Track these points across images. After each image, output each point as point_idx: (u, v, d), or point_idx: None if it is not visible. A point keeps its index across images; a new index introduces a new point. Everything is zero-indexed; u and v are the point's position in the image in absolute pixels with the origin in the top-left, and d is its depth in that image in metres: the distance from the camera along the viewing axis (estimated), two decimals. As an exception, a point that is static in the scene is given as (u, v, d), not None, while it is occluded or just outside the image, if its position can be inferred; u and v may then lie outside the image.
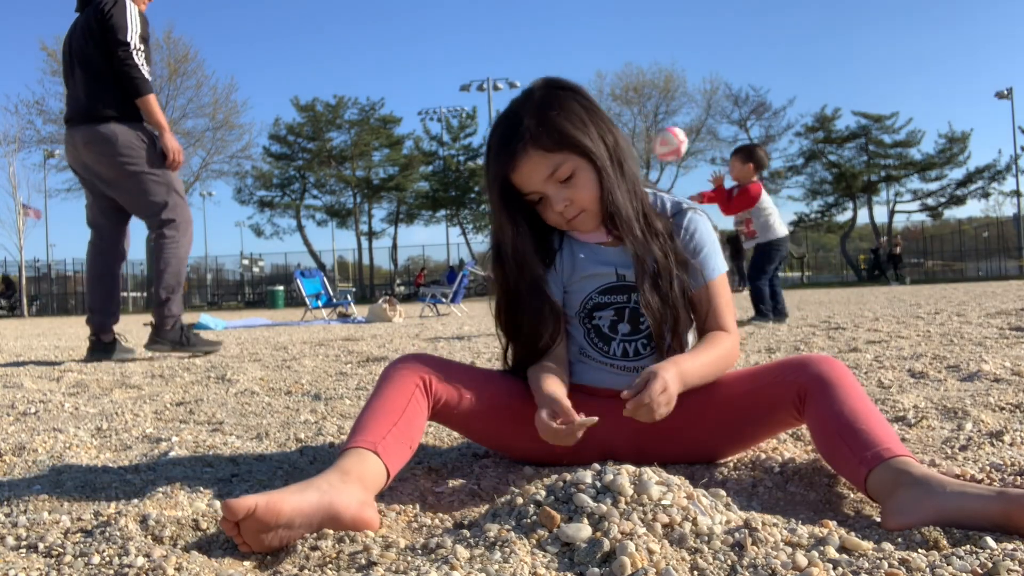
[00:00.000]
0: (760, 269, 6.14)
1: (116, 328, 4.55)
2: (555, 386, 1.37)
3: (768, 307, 6.10)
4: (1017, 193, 35.98)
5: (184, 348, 4.50)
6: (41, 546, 1.03)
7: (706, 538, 0.93)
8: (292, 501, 1.04)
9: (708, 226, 1.53)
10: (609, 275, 1.49)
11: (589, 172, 1.41)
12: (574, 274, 1.51)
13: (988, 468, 1.32)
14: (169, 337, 4.42)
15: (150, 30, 4.46)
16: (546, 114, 1.39)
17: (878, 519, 1.10)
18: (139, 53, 4.29)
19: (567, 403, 1.30)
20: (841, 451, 1.19)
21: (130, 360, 4.44)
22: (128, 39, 4.24)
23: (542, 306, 1.47)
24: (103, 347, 4.47)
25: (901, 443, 1.16)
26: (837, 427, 1.20)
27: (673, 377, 1.28)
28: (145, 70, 4.31)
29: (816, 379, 1.28)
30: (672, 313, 1.44)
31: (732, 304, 1.53)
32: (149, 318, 4.58)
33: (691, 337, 1.53)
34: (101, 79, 4.29)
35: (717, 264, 1.50)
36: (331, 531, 1.04)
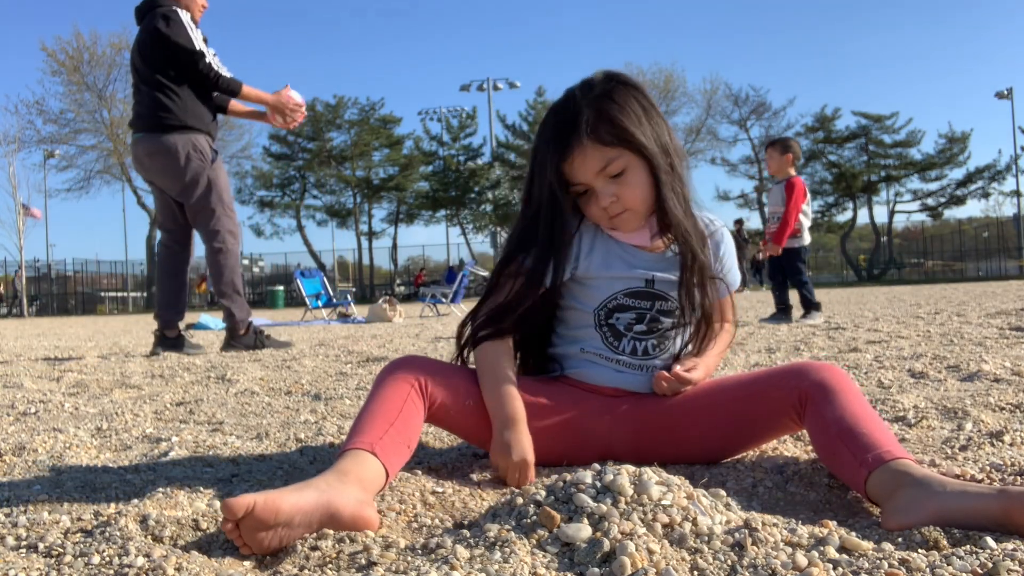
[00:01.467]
0: (799, 271, 6.15)
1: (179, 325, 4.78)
2: (517, 404, 1.39)
3: (814, 299, 6.16)
4: (1017, 193, 36.01)
5: (260, 349, 4.77)
6: (41, 546, 1.03)
7: (706, 538, 0.93)
8: (291, 499, 1.04)
9: (732, 242, 1.60)
10: (639, 280, 1.49)
11: (641, 171, 1.40)
12: (603, 269, 1.49)
13: (988, 468, 1.32)
14: (244, 342, 4.73)
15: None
16: (606, 107, 1.38)
17: (878, 519, 1.10)
18: (213, 57, 4.46)
19: (531, 462, 1.36)
20: (841, 454, 1.19)
21: (199, 355, 4.59)
22: (197, 47, 4.41)
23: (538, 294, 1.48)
24: (170, 342, 4.69)
25: (901, 446, 1.16)
26: (837, 431, 1.21)
27: (703, 371, 1.47)
28: (224, 69, 4.48)
29: (817, 385, 1.29)
30: (706, 318, 1.49)
31: (734, 306, 1.62)
32: (153, 324, 4.78)
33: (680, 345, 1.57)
34: (158, 91, 4.45)
35: (736, 278, 1.59)
36: (331, 531, 1.04)
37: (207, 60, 4.42)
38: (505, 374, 1.42)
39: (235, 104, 4.71)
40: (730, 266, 1.58)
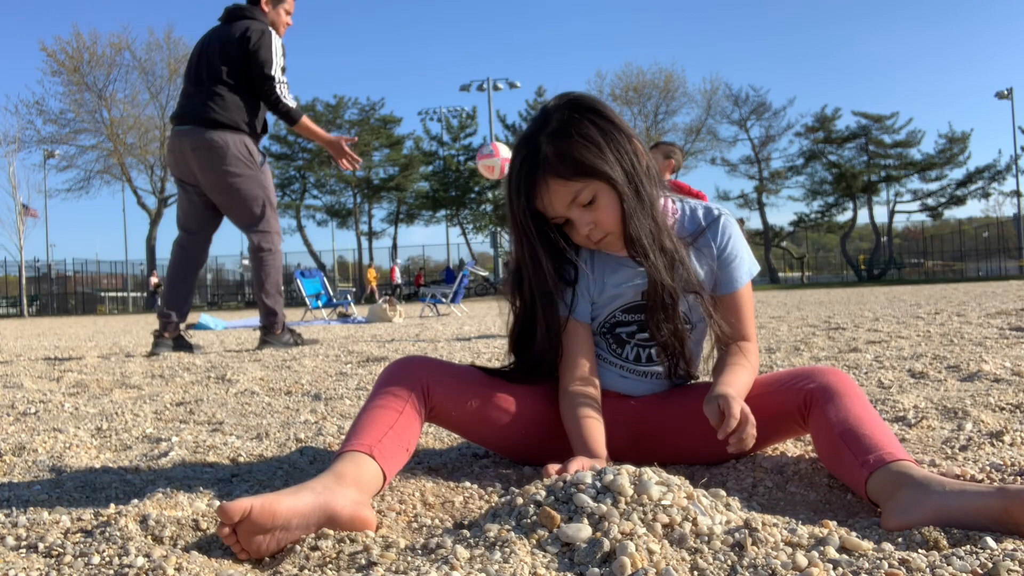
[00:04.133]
0: None
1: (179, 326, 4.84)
2: (598, 438, 1.36)
3: None
4: (1017, 193, 36.01)
5: (294, 347, 4.90)
6: (41, 546, 1.03)
7: (706, 538, 0.93)
8: (288, 502, 1.04)
9: (739, 230, 1.55)
10: (636, 294, 1.49)
11: (611, 195, 1.38)
12: (603, 293, 1.50)
13: (988, 468, 1.32)
14: (283, 340, 4.86)
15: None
16: (563, 142, 1.36)
17: (878, 519, 1.10)
18: (283, 85, 4.57)
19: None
20: (843, 455, 1.19)
21: (199, 355, 4.65)
22: (273, 73, 4.52)
23: (557, 323, 1.46)
24: (170, 343, 4.75)
25: (903, 448, 1.16)
26: (840, 432, 1.21)
27: (739, 401, 1.27)
28: (291, 99, 4.60)
29: (821, 388, 1.30)
30: (677, 340, 1.46)
31: (753, 309, 1.55)
32: (154, 324, 4.81)
33: (705, 345, 1.55)
34: (225, 93, 4.51)
35: (746, 271, 1.52)
36: (331, 531, 1.04)
37: (275, 86, 4.53)
38: (583, 411, 1.40)
39: (304, 127, 4.74)
40: (739, 259, 1.51)
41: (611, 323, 1.51)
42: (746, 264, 1.52)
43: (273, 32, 4.59)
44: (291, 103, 4.58)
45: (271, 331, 4.83)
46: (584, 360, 1.46)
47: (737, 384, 1.36)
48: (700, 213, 1.53)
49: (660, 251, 1.42)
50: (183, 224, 4.70)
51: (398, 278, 35.01)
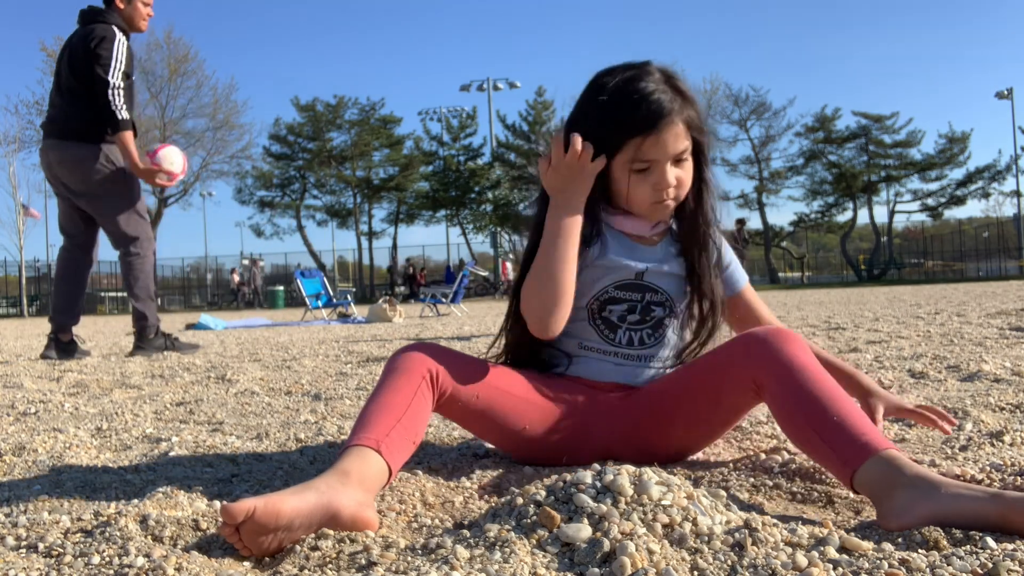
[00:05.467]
0: None
1: (75, 329, 4.84)
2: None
3: None
4: (1017, 193, 36.02)
5: (170, 351, 4.84)
6: (41, 546, 1.03)
7: (706, 538, 0.93)
8: (291, 503, 1.03)
9: (722, 238, 1.61)
10: (630, 273, 1.50)
11: (691, 165, 1.46)
12: (598, 258, 1.49)
13: (988, 468, 1.31)
14: (155, 344, 4.79)
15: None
16: (686, 93, 1.43)
17: (878, 520, 1.10)
18: (119, 92, 4.45)
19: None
20: (818, 447, 1.17)
21: (84, 359, 4.63)
22: (109, 77, 4.43)
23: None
24: (62, 346, 4.72)
25: (877, 430, 1.14)
26: (807, 420, 1.18)
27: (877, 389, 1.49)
28: (123, 109, 4.46)
29: (772, 363, 1.25)
30: (715, 308, 1.53)
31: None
32: (131, 327, 4.85)
33: (677, 340, 1.56)
34: (78, 100, 4.49)
35: (743, 274, 1.62)
36: (331, 531, 1.04)
37: (108, 90, 4.42)
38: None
39: (122, 140, 4.52)
40: (734, 263, 1.62)
41: (603, 299, 1.50)
42: (741, 268, 1.62)
43: (119, 34, 4.51)
44: (120, 113, 4.44)
45: (143, 336, 4.76)
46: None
47: (859, 375, 1.51)
48: None
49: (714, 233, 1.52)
50: (64, 228, 4.71)
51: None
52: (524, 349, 1.53)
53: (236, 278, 31.67)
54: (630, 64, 1.45)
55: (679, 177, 1.43)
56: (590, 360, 1.51)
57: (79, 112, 4.47)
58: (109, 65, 4.43)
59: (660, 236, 1.53)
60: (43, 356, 4.70)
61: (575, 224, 1.42)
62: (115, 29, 4.52)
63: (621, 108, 1.39)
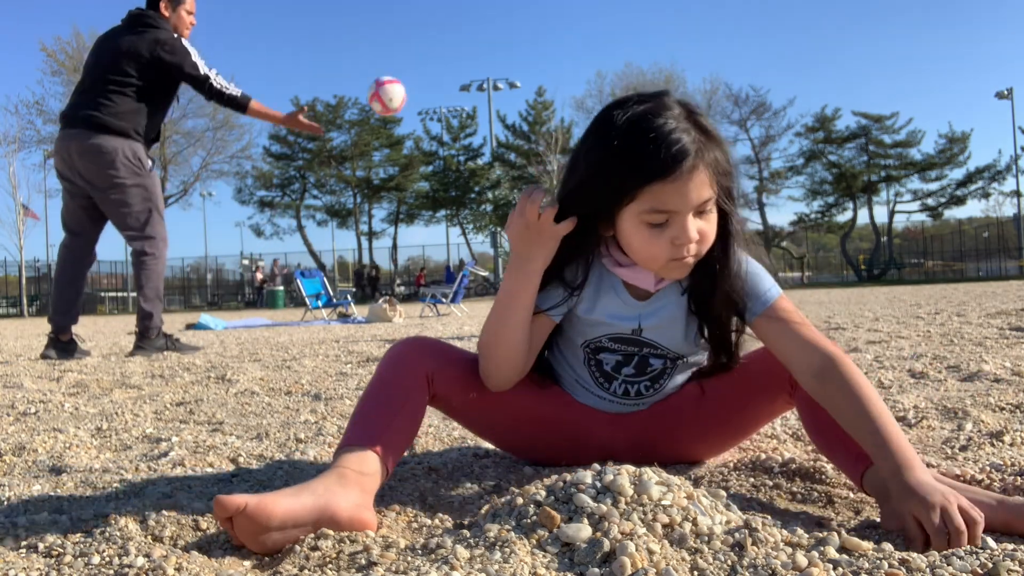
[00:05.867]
0: None
1: (74, 328, 4.83)
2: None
3: None
4: (1017, 193, 36.02)
5: (170, 351, 4.85)
6: (41, 546, 1.03)
7: (706, 538, 0.93)
8: (285, 504, 1.03)
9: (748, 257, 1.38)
10: (625, 329, 1.37)
11: (715, 218, 1.25)
12: (592, 313, 1.37)
13: (988, 468, 1.31)
14: (155, 345, 4.79)
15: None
16: (709, 133, 1.22)
17: (878, 519, 1.10)
18: (218, 77, 4.65)
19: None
20: (835, 446, 1.18)
21: (84, 359, 4.62)
22: (203, 72, 4.60)
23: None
24: (62, 346, 4.72)
25: None
26: (831, 421, 1.19)
27: (925, 473, 1.03)
28: (233, 88, 4.70)
29: None
30: (732, 355, 1.37)
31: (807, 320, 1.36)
32: (133, 326, 4.90)
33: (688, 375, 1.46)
34: (118, 98, 4.51)
35: (772, 283, 1.34)
36: (331, 531, 1.04)
37: (212, 83, 4.58)
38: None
39: (256, 110, 4.80)
40: (744, 274, 1.32)
41: (595, 346, 1.41)
42: (767, 280, 1.33)
43: (179, 36, 4.63)
44: (235, 91, 4.64)
45: (145, 335, 4.75)
46: (533, 354, 1.36)
47: (901, 443, 1.07)
48: None
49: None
50: (67, 225, 4.71)
51: None
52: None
53: (260, 276, 31.78)
54: (644, 95, 1.24)
55: (701, 230, 1.22)
56: (585, 395, 1.46)
57: (114, 107, 4.48)
58: (194, 62, 4.55)
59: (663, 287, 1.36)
60: (43, 356, 4.70)
61: (528, 290, 1.29)
62: (176, 36, 4.62)
63: (634, 150, 1.18)
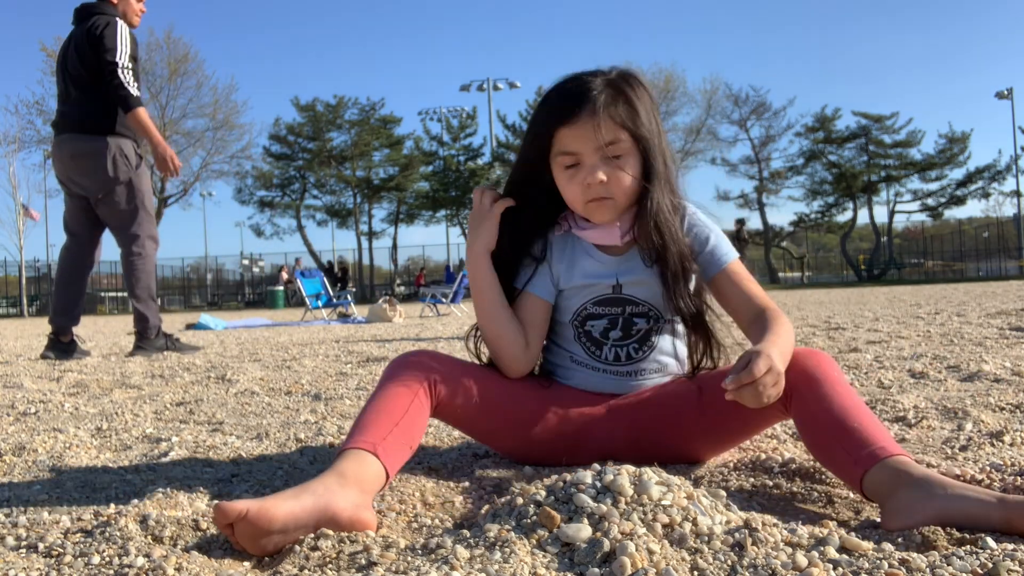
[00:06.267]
0: None
1: (76, 330, 4.84)
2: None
3: None
4: (1017, 193, 36.02)
5: (170, 351, 4.85)
6: (41, 546, 1.03)
7: (706, 538, 0.93)
8: (286, 507, 1.03)
9: (705, 216, 1.52)
10: (606, 287, 1.48)
11: (635, 163, 1.39)
12: (572, 280, 1.49)
13: (988, 468, 1.31)
14: (155, 345, 4.79)
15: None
16: (624, 89, 1.38)
17: (878, 519, 1.10)
18: (127, 71, 4.49)
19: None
20: (834, 450, 1.18)
21: (84, 359, 4.62)
22: (117, 59, 4.45)
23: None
24: (62, 347, 4.72)
25: (894, 441, 1.16)
26: (828, 426, 1.19)
27: (777, 355, 1.18)
28: (134, 87, 4.50)
29: (802, 375, 1.26)
30: (700, 317, 1.45)
31: (757, 283, 1.49)
32: (132, 327, 4.90)
33: (679, 344, 1.52)
34: (91, 95, 4.50)
35: (729, 247, 1.48)
36: (331, 531, 1.04)
37: (118, 70, 4.44)
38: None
39: (138, 117, 4.54)
40: (714, 240, 1.47)
41: (583, 315, 1.50)
42: (726, 244, 1.48)
43: (120, 22, 4.55)
44: (132, 90, 4.48)
45: (144, 336, 4.77)
46: (532, 330, 1.48)
47: (779, 341, 1.25)
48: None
49: (677, 230, 1.42)
50: (68, 227, 4.71)
51: None
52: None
53: (284, 275, 31.88)
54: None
55: (610, 174, 1.37)
56: (581, 372, 1.51)
57: (93, 106, 4.48)
58: (115, 48, 4.45)
59: (631, 243, 1.48)
60: (43, 356, 4.70)
61: (480, 270, 1.47)
62: (116, 18, 4.57)
63: (547, 101, 1.42)
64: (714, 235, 1.49)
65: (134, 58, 4.55)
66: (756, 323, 1.37)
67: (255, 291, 39.41)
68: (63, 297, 4.65)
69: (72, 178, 4.55)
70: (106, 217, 4.62)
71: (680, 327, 1.51)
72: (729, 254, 1.47)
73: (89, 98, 4.49)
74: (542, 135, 1.40)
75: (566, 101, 1.37)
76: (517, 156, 1.48)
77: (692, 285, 1.44)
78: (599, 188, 1.37)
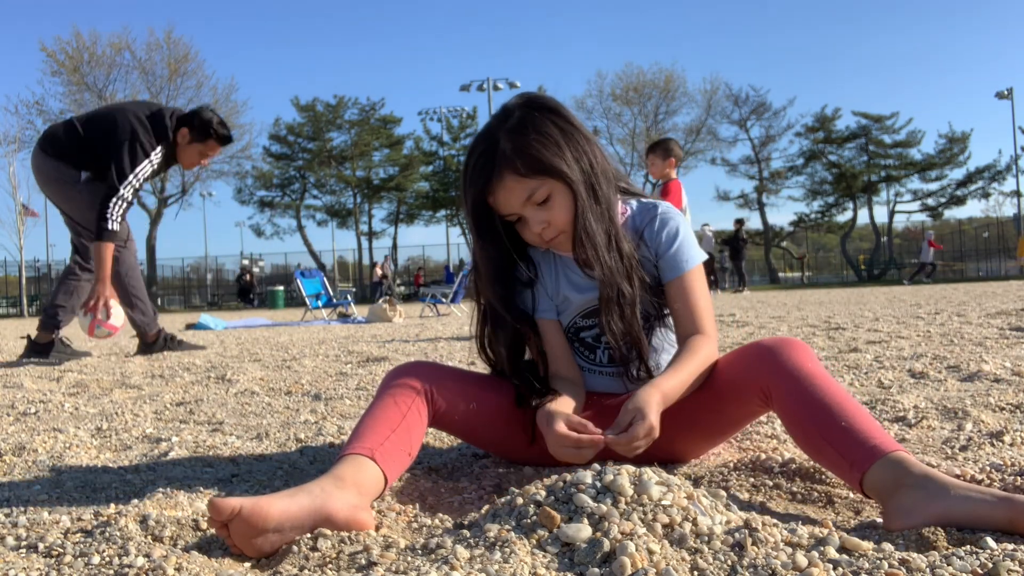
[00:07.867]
0: None
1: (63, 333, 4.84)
2: (563, 404, 1.37)
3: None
4: (1017, 193, 35.99)
5: (173, 350, 4.95)
6: (41, 546, 1.03)
7: (706, 538, 0.93)
8: (280, 506, 1.03)
9: (680, 220, 1.52)
10: (591, 300, 1.49)
11: (566, 195, 1.39)
12: (558, 295, 1.52)
13: (988, 468, 1.31)
14: (156, 348, 4.88)
15: (140, 52, 4.74)
16: (522, 138, 1.36)
17: (878, 519, 1.10)
18: (122, 202, 4.31)
19: (578, 417, 1.31)
20: (827, 452, 1.17)
21: (84, 359, 4.64)
22: (120, 187, 4.29)
23: (510, 326, 1.48)
24: (39, 348, 4.70)
25: (885, 433, 1.14)
26: (817, 427, 1.18)
27: (657, 413, 1.25)
28: (117, 221, 4.29)
29: (780, 371, 1.25)
30: (635, 340, 1.45)
31: (709, 300, 1.49)
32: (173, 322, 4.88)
33: (672, 337, 1.54)
34: (79, 147, 4.37)
35: (692, 255, 1.47)
36: (331, 531, 1.04)
37: (114, 200, 4.28)
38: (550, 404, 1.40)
39: (100, 250, 4.32)
40: (678, 245, 1.47)
41: (574, 328, 1.54)
42: (688, 252, 1.47)
43: (157, 156, 4.42)
44: (112, 224, 4.28)
45: (144, 340, 4.86)
46: (558, 355, 1.49)
47: (667, 386, 1.30)
48: (635, 206, 1.53)
49: (617, 253, 1.42)
50: (73, 241, 4.68)
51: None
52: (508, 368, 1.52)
53: (379, 271, 32.00)
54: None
55: (547, 218, 1.39)
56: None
57: (74, 146, 4.36)
58: (125, 174, 4.30)
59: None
60: (23, 356, 4.69)
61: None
62: (159, 149, 4.43)
63: (465, 171, 1.42)
64: (680, 240, 1.48)
65: (136, 191, 4.41)
66: (680, 345, 1.43)
67: (255, 291, 39.39)
68: (60, 303, 4.61)
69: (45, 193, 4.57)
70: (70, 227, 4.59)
71: (671, 319, 1.52)
72: (688, 262, 1.46)
73: (77, 146, 4.36)
74: (478, 203, 1.41)
75: (478, 173, 1.38)
76: (466, 220, 1.49)
77: (638, 311, 1.45)
78: (547, 231, 1.41)
